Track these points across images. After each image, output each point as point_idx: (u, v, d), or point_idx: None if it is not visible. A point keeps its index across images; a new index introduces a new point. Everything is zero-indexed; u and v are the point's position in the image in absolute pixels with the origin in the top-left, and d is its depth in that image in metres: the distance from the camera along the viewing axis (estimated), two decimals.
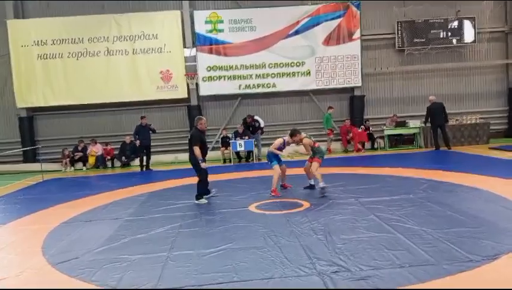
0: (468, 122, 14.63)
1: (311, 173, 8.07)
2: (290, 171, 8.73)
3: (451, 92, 15.63)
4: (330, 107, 14.86)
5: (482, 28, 15.71)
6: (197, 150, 7.62)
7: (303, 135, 8.00)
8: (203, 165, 7.70)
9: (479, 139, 14.45)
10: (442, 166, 10.26)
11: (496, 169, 9.34)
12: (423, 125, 14.42)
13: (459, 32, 15.58)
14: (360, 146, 14.56)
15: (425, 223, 5.53)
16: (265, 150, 14.40)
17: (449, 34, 15.58)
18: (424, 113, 13.97)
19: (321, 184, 7.66)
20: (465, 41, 15.67)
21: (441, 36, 15.55)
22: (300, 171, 8.60)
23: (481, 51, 15.98)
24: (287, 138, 8.03)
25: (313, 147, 7.98)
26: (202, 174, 7.85)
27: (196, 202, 7.79)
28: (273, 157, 8.15)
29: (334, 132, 15.13)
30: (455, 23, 15.55)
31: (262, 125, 14.38)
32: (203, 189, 7.93)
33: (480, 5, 15.63)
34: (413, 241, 4.88)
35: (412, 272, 4.04)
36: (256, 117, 14.44)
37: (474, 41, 15.66)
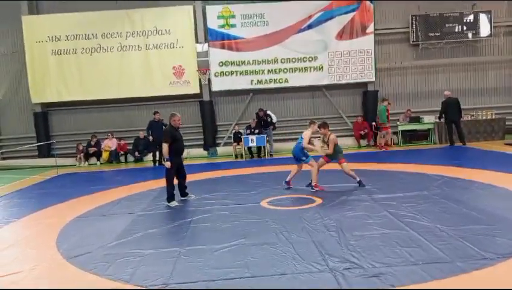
0: (484, 117, 14.39)
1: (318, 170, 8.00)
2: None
3: (467, 86, 15.37)
4: (385, 99, 14.12)
5: (498, 21, 15.40)
6: (164, 146, 7.31)
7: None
8: (166, 164, 7.32)
9: (495, 134, 14.21)
10: (457, 162, 10.11)
11: (510, 166, 9.16)
12: (438, 120, 14.23)
13: (474, 26, 15.29)
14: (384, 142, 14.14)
15: (440, 220, 5.46)
16: (277, 146, 14.46)
17: (464, 28, 15.30)
18: (439, 108, 13.79)
19: (358, 179, 7.86)
20: (481, 36, 15.36)
21: (456, 30, 15.27)
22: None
23: (497, 45, 15.66)
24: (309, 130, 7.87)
25: (336, 145, 7.87)
26: (169, 174, 7.44)
27: (167, 204, 7.43)
28: (305, 153, 7.85)
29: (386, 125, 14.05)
30: (471, 17, 15.26)
31: (274, 120, 14.33)
32: (170, 190, 7.48)
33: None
34: (427, 238, 4.83)
35: (426, 269, 3.99)
36: (268, 112, 14.40)
37: (490, 36, 15.35)
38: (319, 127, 7.86)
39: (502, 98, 15.88)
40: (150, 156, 13.92)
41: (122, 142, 14.94)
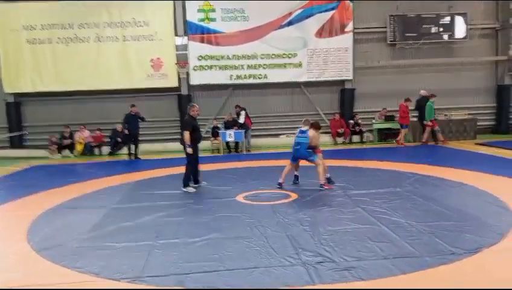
0: (457, 117, 14.76)
1: (298, 165, 8.09)
2: (276, 163, 8.73)
3: (441, 87, 15.67)
4: (433, 95, 13.77)
5: (473, 24, 15.78)
6: (186, 134, 7.73)
7: None
8: (188, 150, 7.75)
9: (467, 134, 14.59)
10: (429, 160, 10.35)
11: (482, 165, 9.46)
12: (414, 118, 14.52)
13: (450, 27, 15.62)
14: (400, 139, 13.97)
15: (410, 216, 5.60)
16: (254, 141, 14.46)
17: (441, 29, 15.62)
18: (413, 108, 14.11)
19: (328, 175, 7.89)
20: (456, 37, 15.71)
21: (433, 31, 15.58)
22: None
23: (472, 47, 16.04)
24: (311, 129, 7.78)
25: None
26: (190, 160, 7.87)
27: (183, 189, 7.83)
28: (310, 152, 7.70)
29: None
30: (447, 19, 15.59)
31: (241, 121, 13.98)
32: (188, 176, 7.94)
33: (473, 1, 15.72)
34: (398, 233, 4.95)
35: (395, 263, 4.09)
36: (242, 112, 14.14)
37: (465, 37, 15.72)
38: (317, 128, 7.86)
39: (475, 99, 16.32)
40: (125, 150, 13.69)
41: (98, 133, 14.70)
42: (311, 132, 7.70)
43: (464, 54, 16.12)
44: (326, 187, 7.54)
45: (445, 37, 15.71)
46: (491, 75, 16.51)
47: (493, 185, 7.28)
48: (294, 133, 8.55)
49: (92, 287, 3.93)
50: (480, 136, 14.79)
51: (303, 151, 7.66)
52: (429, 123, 13.56)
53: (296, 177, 8.11)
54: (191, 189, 7.85)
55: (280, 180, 7.82)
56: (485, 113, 16.25)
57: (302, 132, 7.74)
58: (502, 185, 7.30)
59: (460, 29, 15.63)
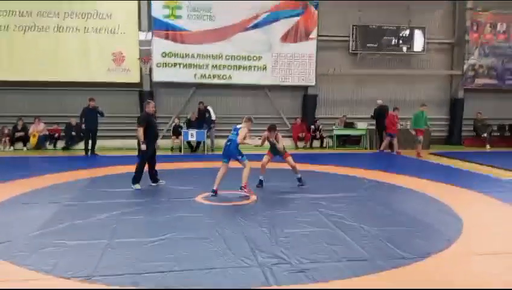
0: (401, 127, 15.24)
1: (264, 168, 8.08)
2: (238, 164, 8.72)
3: (399, 97, 16.30)
4: (423, 105, 13.78)
5: (431, 38, 16.50)
6: (139, 131, 7.64)
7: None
8: (142, 146, 7.66)
9: (409, 143, 15.12)
10: (384, 167, 10.70)
11: (433, 173, 9.89)
12: (371, 126, 14.98)
13: (409, 40, 16.26)
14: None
15: (365, 221, 5.77)
16: (220, 142, 14.39)
17: (400, 41, 16.22)
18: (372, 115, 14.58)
19: (299, 175, 8.08)
20: (415, 50, 16.38)
21: (393, 43, 16.16)
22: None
23: (428, 60, 16.79)
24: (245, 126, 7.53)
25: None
26: (143, 157, 7.76)
27: (132, 187, 7.71)
28: (240, 151, 7.47)
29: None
30: (406, 32, 16.21)
31: (213, 118, 14.26)
32: (139, 173, 7.78)
33: (432, 16, 16.44)
34: (352, 237, 5.08)
35: (349, 266, 4.21)
36: (209, 107, 14.33)
37: (422, 51, 16.41)
38: (270, 130, 7.88)
39: (430, 110, 16.95)
40: (81, 145, 13.27)
41: (56, 126, 14.16)
42: (243, 128, 7.36)
43: (421, 66, 16.84)
44: (245, 190, 7.31)
45: (404, 49, 16.33)
46: (446, 88, 17.33)
47: (443, 193, 7.62)
48: (257, 136, 8.60)
49: (42, 285, 3.78)
50: (434, 146, 15.47)
51: (233, 149, 7.34)
52: (412, 132, 13.61)
53: (261, 181, 8.08)
54: (138, 186, 7.72)
55: (214, 187, 7.32)
56: (439, 124, 16.99)
57: (236, 129, 7.45)
58: (452, 193, 7.66)
59: (418, 42, 16.30)
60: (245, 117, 7.79)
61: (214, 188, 7.31)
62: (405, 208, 6.63)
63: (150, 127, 7.78)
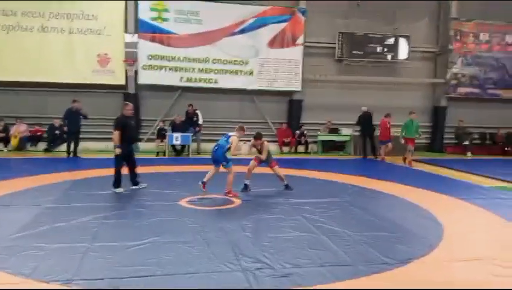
0: (395, 134, 15.46)
1: (250, 173, 8.13)
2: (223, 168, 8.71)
3: (383, 104, 16.42)
4: (412, 112, 13.40)
5: (415, 46, 16.77)
6: (115, 134, 7.58)
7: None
8: (117, 150, 7.60)
9: (404, 150, 15.32)
10: (368, 173, 10.82)
11: (415, 179, 10.04)
12: (356, 133, 15.12)
13: (394, 48, 16.49)
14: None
15: (347, 226, 5.82)
16: (205, 146, 14.34)
17: (385, 49, 16.44)
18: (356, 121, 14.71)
19: (285, 182, 8.23)
20: (399, 58, 16.62)
21: (378, 51, 16.37)
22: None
23: (412, 68, 17.03)
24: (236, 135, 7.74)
25: (268, 151, 8.13)
26: (117, 160, 7.71)
27: (113, 190, 7.66)
28: (227, 157, 7.61)
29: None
30: (391, 40, 16.44)
31: (200, 122, 14.29)
32: (117, 176, 7.73)
33: (416, 25, 16.72)
34: (335, 242, 5.12)
35: (331, 271, 4.24)
36: (197, 111, 14.35)
37: (407, 59, 16.66)
38: (255, 138, 7.96)
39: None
40: (63, 147, 13.07)
41: (36, 127, 13.93)
42: (234, 137, 7.60)
43: (405, 74, 17.08)
44: (230, 195, 7.50)
45: (389, 57, 16.56)
46: (429, 96, 17.62)
47: (424, 199, 7.73)
48: (244, 141, 8.65)
49: (21, 288, 3.71)
50: (416, 153, 15.65)
51: (219, 154, 7.52)
52: (402, 141, 13.15)
53: (246, 185, 8.08)
54: (120, 190, 7.67)
55: (204, 179, 7.57)
56: (422, 131, 17.15)
57: (227, 136, 7.66)
58: (433, 200, 7.77)
59: (403, 50, 16.55)
60: (237, 126, 8.01)
61: (204, 180, 7.55)
62: (387, 213, 6.70)
63: (126, 130, 7.70)
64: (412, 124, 13.15)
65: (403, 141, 13.17)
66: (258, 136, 8.01)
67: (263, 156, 8.02)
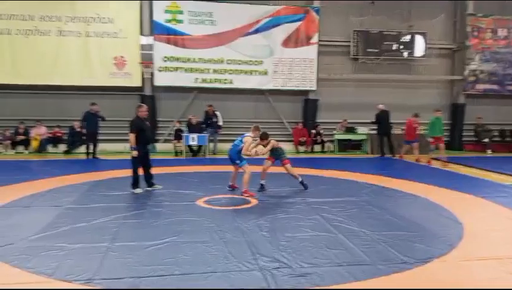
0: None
1: (265, 173, 8.15)
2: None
3: (399, 102, 16.27)
4: (437, 110, 13.09)
5: (432, 43, 16.53)
6: (131, 136, 7.69)
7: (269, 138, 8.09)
8: (134, 153, 7.69)
9: (422, 149, 15.15)
10: (386, 172, 10.71)
11: (434, 178, 9.89)
12: (372, 131, 14.97)
13: (410, 45, 16.29)
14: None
15: (365, 225, 5.77)
16: (221, 146, 14.42)
17: (401, 46, 16.25)
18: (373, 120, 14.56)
19: (300, 179, 8.19)
20: (415, 55, 16.41)
21: (393, 48, 16.19)
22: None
23: (429, 65, 16.79)
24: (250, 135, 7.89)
25: (278, 148, 8.12)
26: (134, 162, 7.79)
27: (132, 190, 7.79)
28: (240, 157, 7.82)
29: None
30: (407, 37, 16.24)
31: (220, 122, 14.40)
32: (135, 177, 7.84)
33: (432, 21, 16.48)
34: (353, 241, 5.08)
35: (349, 270, 4.21)
36: (217, 112, 14.43)
37: (423, 56, 16.44)
38: (262, 138, 7.96)
39: (430, 115, 16.99)
40: (83, 148, 13.30)
41: (57, 129, 14.20)
42: (247, 137, 7.79)
43: (422, 71, 16.85)
44: (246, 195, 7.56)
45: (405, 54, 16.36)
46: (447, 94, 17.34)
47: (444, 198, 7.62)
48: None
49: (43, 288, 3.79)
50: (435, 151, 15.43)
51: (233, 153, 7.81)
52: (431, 140, 12.91)
53: (262, 186, 8.10)
54: (138, 190, 7.79)
55: (230, 183, 8.08)
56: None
57: (243, 136, 7.86)
58: (452, 198, 7.65)
59: (419, 47, 16.34)
60: (253, 126, 8.12)
61: (230, 183, 8.05)
62: (406, 212, 6.62)
63: (141, 132, 7.80)
64: (438, 121, 12.71)
65: (431, 140, 12.86)
66: (263, 137, 7.98)
67: (265, 150, 7.98)
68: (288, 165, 8.22)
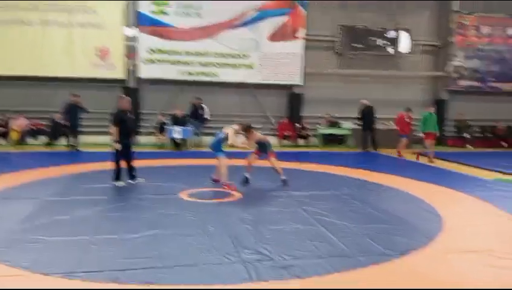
0: (395, 127, 15.44)
1: (250, 166, 8.12)
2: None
3: (383, 97, 16.39)
4: (430, 106, 13.11)
5: (416, 40, 16.69)
6: (113, 129, 7.59)
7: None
8: (116, 145, 7.58)
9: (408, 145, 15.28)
10: (368, 166, 10.81)
11: (414, 172, 10.06)
12: (356, 125, 15.09)
13: (395, 42, 16.43)
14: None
15: (347, 218, 5.83)
16: (205, 139, 14.34)
17: (386, 42, 16.38)
18: (356, 115, 14.67)
19: (282, 177, 8.03)
20: (400, 51, 16.55)
21: (378, 44, 16.31)
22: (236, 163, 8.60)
23: (413, 61, 16.97)
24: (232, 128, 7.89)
25: (266, 143, 8.10)
26: (116, 155, 7.70)
27: (114, 183, 7.69)
28: (219, 147, 7.84)
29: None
30: (392, 33, 16.38)
31: (206, 116, 14.31)
32: (117, 169, 7.75)
33: (417, 18, 16.65)
34: (334, 234, 5.13)
35: (330, 262, 4.25)
36: (203, 105, 14.34)
37: (408, 52, 16.60)
38: (245, 130, 7.92)
39: (414, 110, 17.20)
40: (64, 140, 13.10)
41: (37, 121, 13.94)
42: (230, 129, 7.82)
43: (406, 67, 17.02)
44: (226, 187, 7.57)
45: (390, 50, 16.49)
46: (430, 89, 17.56)
47: (423, 191, 7.73)
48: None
49: (21, 281, 3.73)
50: (417, 145, 15.62)
51: (214, 143, 7.93)
52: (421, 135, 12.61)
53: (246, 179, 8.06)
54: (120, 183, 7.70)
55: (213, 176, 8.07)
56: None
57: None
58: (433, 192, 7.76)
59: (404, 44, 16.48)
60: (240, 123, 8.11)
61: (213, 177, 8.04)
62: (387, 205, 6.71)
63: (124, 125, 7.68)
64: (431, 117, 12.42)
65: (421, 135, 12.59)
66: (245, 128, 7.94)
67: (248, 142, 7.97)
68: (274, 159, 8.20)
